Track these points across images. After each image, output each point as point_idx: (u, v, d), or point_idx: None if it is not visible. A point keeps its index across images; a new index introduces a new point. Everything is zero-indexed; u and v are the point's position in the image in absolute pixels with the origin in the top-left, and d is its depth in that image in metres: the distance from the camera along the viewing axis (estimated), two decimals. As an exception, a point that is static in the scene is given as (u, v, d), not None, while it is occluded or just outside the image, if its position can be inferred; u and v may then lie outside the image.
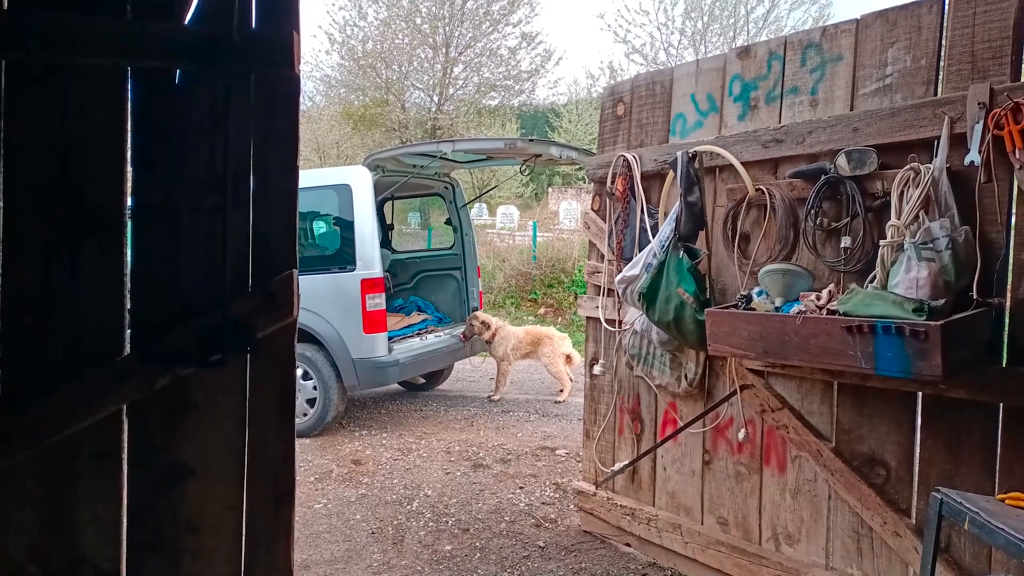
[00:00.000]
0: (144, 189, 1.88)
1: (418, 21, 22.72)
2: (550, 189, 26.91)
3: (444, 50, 23.09)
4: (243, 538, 1.97)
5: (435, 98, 23.65)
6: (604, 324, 3.86)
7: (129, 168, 1.86)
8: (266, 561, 1.98)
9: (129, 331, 1.89)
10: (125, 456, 1.93)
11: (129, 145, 1.86)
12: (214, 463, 1.94)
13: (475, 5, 22.91)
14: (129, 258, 1.88)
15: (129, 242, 1.87)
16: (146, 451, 1.92)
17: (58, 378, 1.83)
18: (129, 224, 1.88)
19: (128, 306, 1.89)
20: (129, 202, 1.88)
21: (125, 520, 1.95)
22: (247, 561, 1.97)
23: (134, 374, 1.86)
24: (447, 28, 22.89)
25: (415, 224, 22.55)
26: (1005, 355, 2.39)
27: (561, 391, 6.97)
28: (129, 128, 1.86)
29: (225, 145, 1.85)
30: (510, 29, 23.41)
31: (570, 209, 20.32)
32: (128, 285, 1.88)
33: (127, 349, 1.88)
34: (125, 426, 1.91)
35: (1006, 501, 2.02)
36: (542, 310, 12.03)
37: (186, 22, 1.85)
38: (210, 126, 1.86)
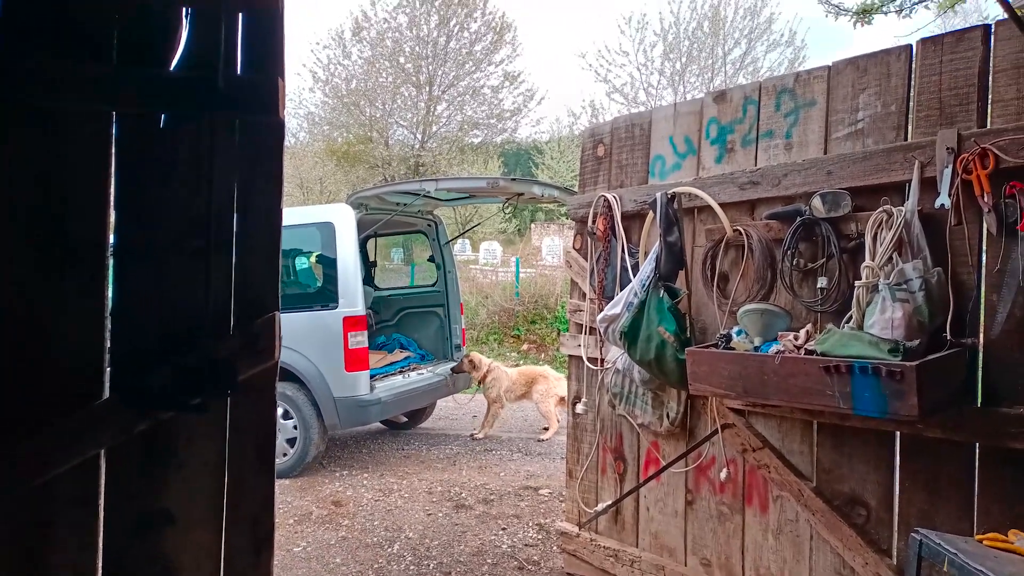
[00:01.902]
0: (126, 229, 1.89)
1: (401, 60, 23.03)
2: (533, 225, 27.09)
3: (427, 88, 23.39)
4: (221, 583, 1.94)
5: (418, 135, 23.86)
6: (586, 362, 3.87)
7: (112, 209, 1.87)
8: (245, 609, 1.94)
9: (109, 371, 1.88)
10: (102, 502, 1.90)
11: (113, 185, 1.87)
12: (193, 509, 1.92)
13: (458, 45, 23.29)
14: (110, 299, 1.88)
15: (111, 283, 1.87)
16: (124, 497, 1.89)
17: (37, 422, 1.81)
18: (111, 264, 1.88)
19: (108, 347, 1.88)
20: (111, 241, 1.88)
21: (100, 567, 1.91)
22: (226, 609, 1.93)
23: (113, 418, 1.85)
24: (430, 67, 23.22)
25: (398, 260, 22.56)
26: (980, 395, 2.43)
27: (546, 429, 6.94)
28: (113, 169, 1.87)
29: (209, 189, 1.87)
30: (492, 68, 23.81)
31: (552, 245, 20.45)
32: (108, 326, 1.87)
33: (107, 392, 1.87)
34: (103, 471, 1.88)
35: (984, 542, 2.03)
36: (525, 346, 12.02)
37: (172, 67, 1.88)
38: (194, 170, 1.88)
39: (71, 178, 1.82)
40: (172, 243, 1.88)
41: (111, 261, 1.88)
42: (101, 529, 1.90)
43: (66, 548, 1.87)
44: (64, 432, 1.83)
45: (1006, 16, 2.44)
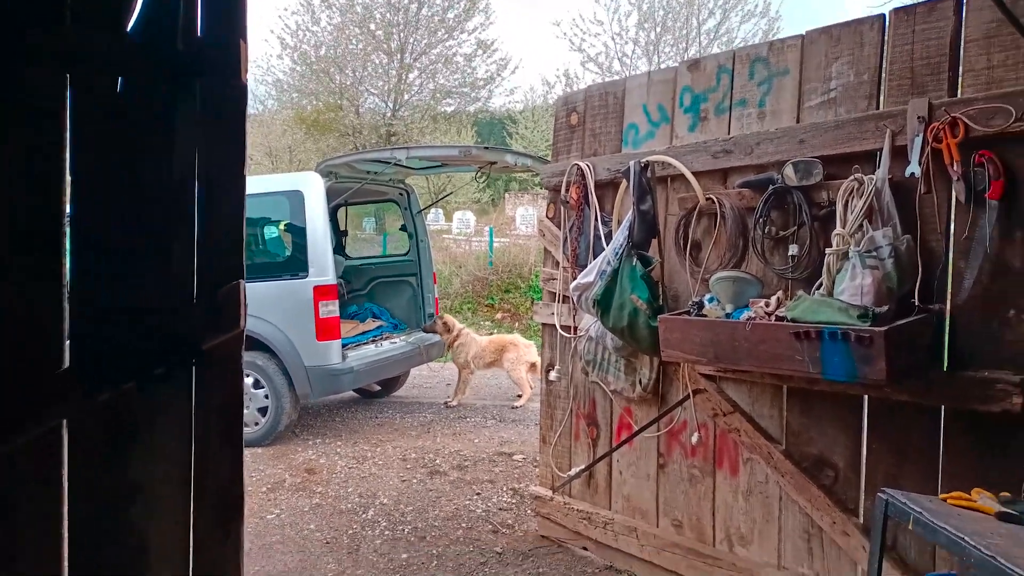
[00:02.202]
0: (84, 200, 1.82)
1: (372, 27, 22.55)
2: (507, 195, 26.99)
3: (399, 56, 22.97)
4: (191, 557, 1.92)
5: (390, 104, 23.50)
6: (560, 330, 3.87)
7: (68, 180, 1.80)
8: (216, 579, 1.93)
9: (68, 343, 1.83)
10: (65, 477, 1.87)
11: (68, 156, 1.80)
12: (159, 481, 1.89)
13: (430, 12, 22.84)
14: (68, 269, 1.82)
15: (68, 255, 1.81)
16: (89, 471, 1.85)
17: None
18: (69, 235, 1.82)
19: (67, 318, 1.82)
20: (68, 213, 1.82)
21: (66, 543, 1.88)
22: (195, 579, 1.92)
23: (73, 389, 1.80)
24: (402, 34, 22.78)
25: (370, 229, 22.35)
26: (946, 360, 2.47)
27: (519, 396, 6.97)
28: (68, 138, 1.79)
29: (170, 156, 1.80)
30: (465, 36, 23.41)
31: (526, 215, 20.39)
32: (67, 296, 1.81)
33: (66, 362, 1.82)
34: (64, 444, 1.84)
35: (948, 501, 2.08)
36: (499, 315, 12.03)
37: (127, 29, 1.80)
38: (154, 137, 1.81)
39: (28, 152, 1.75)
40: (132, 213, 1.82)
41: (68, 232, 1.81)
42: (65, 504, 1.86)
43: (31, 525, 1.83)
44: (22, 404, 1.78)
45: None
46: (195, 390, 1.89)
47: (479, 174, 6.61)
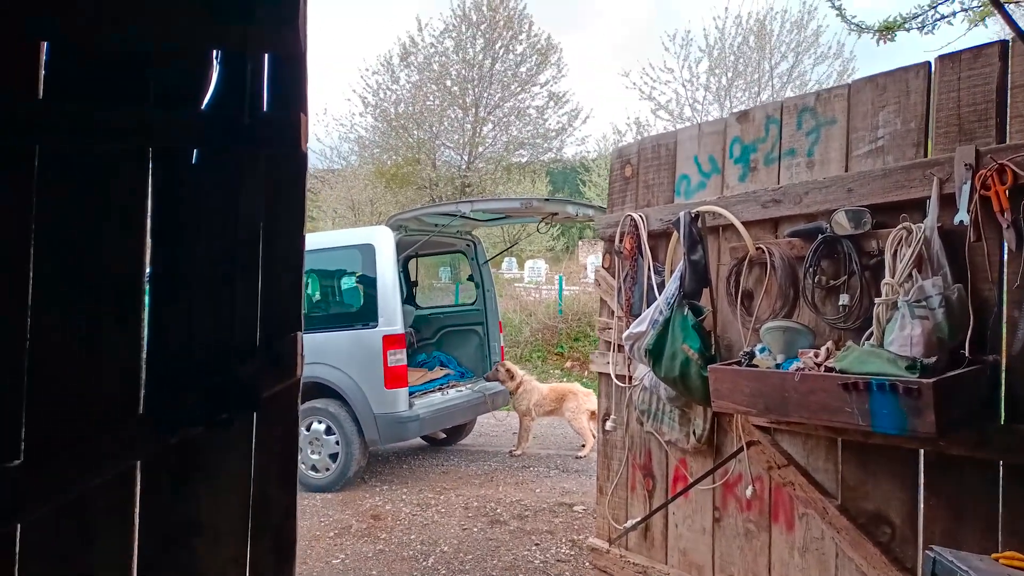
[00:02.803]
0: (161, 259, 2.03)
1: (448, 83, 23.39)
2: (580, 242, 27.10)
3: (474, 110, 23.68)
4: (247, 592, 2.04)
5: (465, 156, 24.16)
6: (615, 380, 3.90)
7: (148, 240, 2.01)
8: (269, 616, 2.04)
9: (144, 391, 2.01)
10: (137, 512, 2.03)
11: (149, 219, 2.02)
12: (220, 519, 2.03)
13: (503, 67, 23.54)
14: (146, 323, 2.01)
15: (146, 309, 2.01)
16: (157, 507, 2.02)
17: (78, 438, 1.95)
18: (147, 292, 2.02)
19: (144, 368, 2.01)
20: (147, 272, 2.02)
21: (136, 574, 2.03)
22: (251, 614, 2.04)
23: (147, 433, 1.98)
24: (476, 89, 23.52)
25: (446, 279, 22.83)
26: (1003, 412, 2.40)
27: (583, 446, 6.95)
28: (149, 203, 2.01)
29: (236, 218, 2.00)
30: (537, 89, 23.94)
31: (597, 263, 20.41)
32: (144, 348, 2.01)
33: (141, 409, 2.00)
34: (138, 483, 2.01)
35: (1000, 560, 2.00)
36: (568, 364, 12.03)
37: (202, 107, 2.02)
38: (223, 201, 2.01)
39: (112, 213, 1.97)
40: (202, 271, 2.01)
41: (147, 289, 2.02)
42: (136, 538, 2.03)
43: (105, 556, 2.00)
44: (102, 446, 1.97)
45: (1024, 31, 2.43)
46: (255, 435, 2.04)
47: (542, 224, 6.76)
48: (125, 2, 1.96)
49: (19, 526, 1.96)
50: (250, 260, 2.04)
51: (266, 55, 2.05)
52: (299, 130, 2.04)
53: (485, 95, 23.85)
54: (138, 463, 2.00)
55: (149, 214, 2.02)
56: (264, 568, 2.02)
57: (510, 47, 23.37)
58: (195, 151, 2.03)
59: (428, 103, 23.62)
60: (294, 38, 2.03)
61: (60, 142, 1.94)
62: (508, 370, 6.89)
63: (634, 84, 32.80)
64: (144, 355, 2.01)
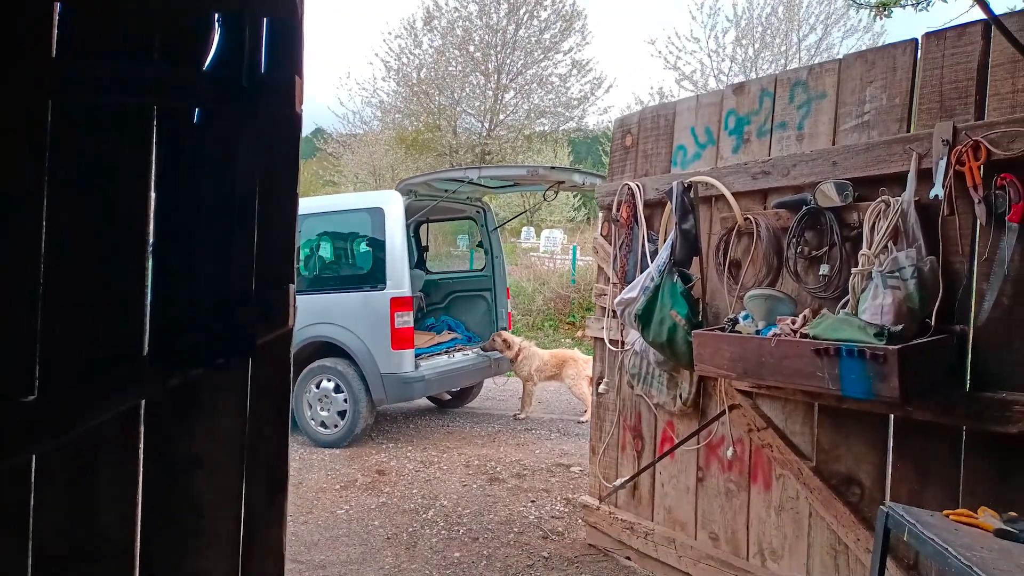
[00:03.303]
0: (165, 211, 2.16)
1: (471, 49, 23.31)
2: (601, 213, 27.03)
3: (496, 77, 23.62)
4: (242, 522, 2.21)
5: (486, 124, 24.15)
6: (608, 344, 4.03)
7: (153, 193, 2.15)
8: (262, 543, 2.21)
9: (148, 334, 2.17)
10: (141, 446, 2.20)
11: (153, 172, 2.15)
12: (218, 455, 2.19)
13: (527, 33, 23.40)
14: (150, 271, 2.16)
15: (151, 257, 2.16)
16: (160, 442, 2.18)
17: (86, 375, 2.11)
18: (151, 242, 2.16)
19: (148, 312, 2.17)
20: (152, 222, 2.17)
21: (140, 503, 2.21)
22: (245, 543, 2.21)
23: (151, 373, 2.14)
24: (499, 56, 23.43)
25: (463, 246, 22.95)
26: (968, 381, 2.49)
27: (585, 412, 7.10)
28: (154, 157, 2.14)
29: (234, 174, 2.13)
30: (561, 57, 23.82)
31: (615, 234, 20.36)
32: (149, 294, 2.16)
33: (146, 351, 2.16)
34: (142, 419, 2.18)
35: (951, 516, 2.12)
36: (579, 333, 12.11)
37: (204, 68, 2.14)
38: (222, 158, 2.14)
39: (119, 166, 2.11)
40: (202, 223, 2.14)
41: (151, 239, 2.16)
42: (141, 470, 2.20)
43: (111, 486, 2.17)
44: (110, 384, 2.13)
45: (1010, 11, 2.47)
46: (250, 378, 2.19)
47: (548, 192, 6.84)
48: (133, -33, 2.07)
49: (33, 457, 2.14)
50: (247, 214, 2.17)
51: (264, 18, 2.16)
52: (294, 92, 2.16)
53: (508, 62, 23.77)
54: (143, 401, 2.16)
55: (153, 168, 2.15)
56: (258, 499, 2.19)
57: (534, 13, 23.22)
58: (196, 110, 2.16)
59: (450, 69, 23.60)
60: (291, 2, 2.13)
61: (70, 97, 2.08)
62: (504, 340, 7.03)
63: (659, 53, 32.37)
64: (148, 300, 2.16)
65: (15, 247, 2.05)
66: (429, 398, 7.44)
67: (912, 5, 4.99)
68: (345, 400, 6.16)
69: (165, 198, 2.16)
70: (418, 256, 7.81)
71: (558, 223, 25.55)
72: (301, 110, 2.20)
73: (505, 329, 7.49)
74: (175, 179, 2.15)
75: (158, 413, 2.17)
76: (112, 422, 2.15)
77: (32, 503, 2.13)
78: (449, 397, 7.71)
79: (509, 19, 23.12)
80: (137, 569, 2.19)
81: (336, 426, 6.22)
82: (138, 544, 2.19)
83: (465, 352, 6.97)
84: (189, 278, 2.16)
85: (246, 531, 2.21)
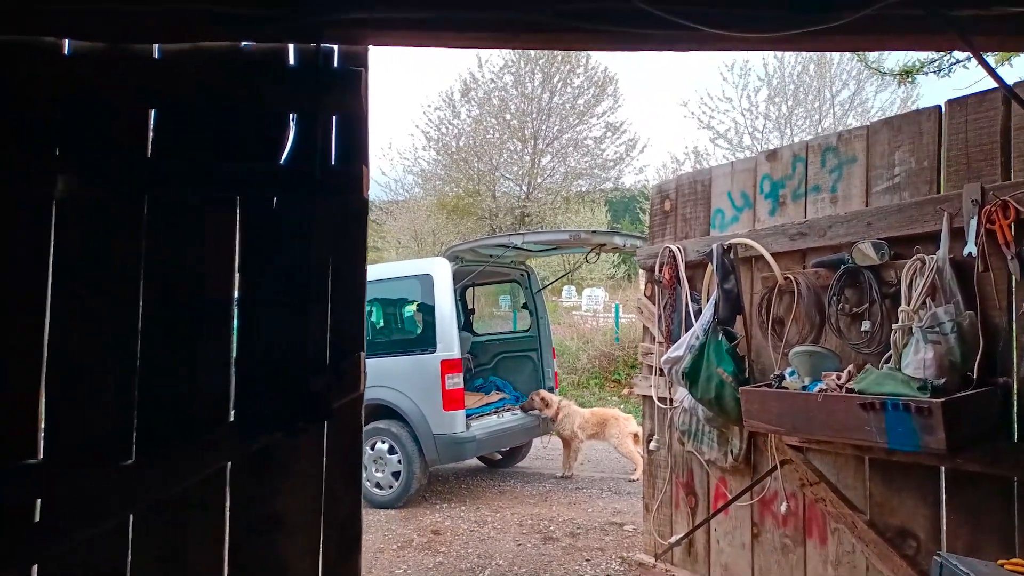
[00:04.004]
0: (246, 289, 2.40)
1: (507, 117, 24.03)
2: (641, 271, 27.08)
3: (532, 142, 24.23)
4: (319, 577, 2.36)
5: (524, 187, 24.66)
6: (657, 402, 4.12)
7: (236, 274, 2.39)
8: (338, 599, 2.35)
9: (233, 403, 2.37)
10: (227, 507, 2.38)
11: (237, 256, 2.39)
12: (297, 514, 2.36)
13: (561, 100, 24.06)
14: (234, 346, 2.38)
15: (235, 331, 2.38)
16: (243, 503, 2.36)
17: (178, 441, 2.31)
18: (235, 317, 2.39)
19: (233, 383, 2.38)
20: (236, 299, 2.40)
21: (226, 560, 2.37)
22: (323, 598, 2.35)
23: (236, 438, 2.33)
24: (535, 122, 24.08)
25: (505, 307, 23.19)
26: (1016, 431, 2.54)
27: (635, 469, 7.10)
28: (238, 242, 2.39)
29: (309, 254, 2.36)
30: (595, 120, 24.37)
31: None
32: (233, 367, 2.37)
33: (231, 418, 2.36)
34: (228, 481, 2.36)
35: (1005, 566, 2.15)
36: (626, 391, 12.13)
37: (281, 161, 2.40)
38: (298, 240, 2.37)
39: (206, 251, 2.36)
40: (281, 298, 2.37)
41: (236, 315, 2.39)
42: (227, 529, 2.37)
43: (199, 544, 2.35)
44: (197, 449, 2.33)
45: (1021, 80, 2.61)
46: (325, 441, 2.37)
47: (590, 255, 7.03)
48: (215, 76, 2.36)
49: (131, 516, 2.34)
50: (320, 289, 2.39)
51: (334, 116, 2.42)
52: (361, 180, 2.40)
53: (543, 127, 24.39)
54: (228, 464, 2.36)
55: (237, 250, 2.40)
56: (335, 557, 2.34)
57: (568, 80, 23.90)
58: (274, 198, 2.40)
59: (488, 136, 24.28)
60: (358, 102, 2.39)
61: (164, 191, 2.35)
62: (543, 398, 7.09)
63: (692, 113, 32.77)
64: (233, 371, 2.37)
65: (114, 320, 2.30)
66: (479, 458, 7.53)
67: (934, 72, 5.15)
68: (399, 461, 6.30)
69: (247, 277, 2.40)
70: (465, 319, 8.02)
71: (599, 281, 25.66)
72: (368, 195, 2.44)
73: (552, 389, 7.59)
74: (256, 261, 2.40)
75: (241, 475, 2.36)
76: (200, 484, 2.35)
77: (129, 560, 2.32)
78: (500, 457, 7.79)
79: (544, 87, 23.84)
80: (223, 624, 2.35)
81: (391, 487, 6.34)
82: (224, 601, 2.35)
83: (514, 412, 7.08)
84: (269, 350, 2.37)
85: (324, 586, 2.35)
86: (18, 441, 2.28)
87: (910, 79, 5.29)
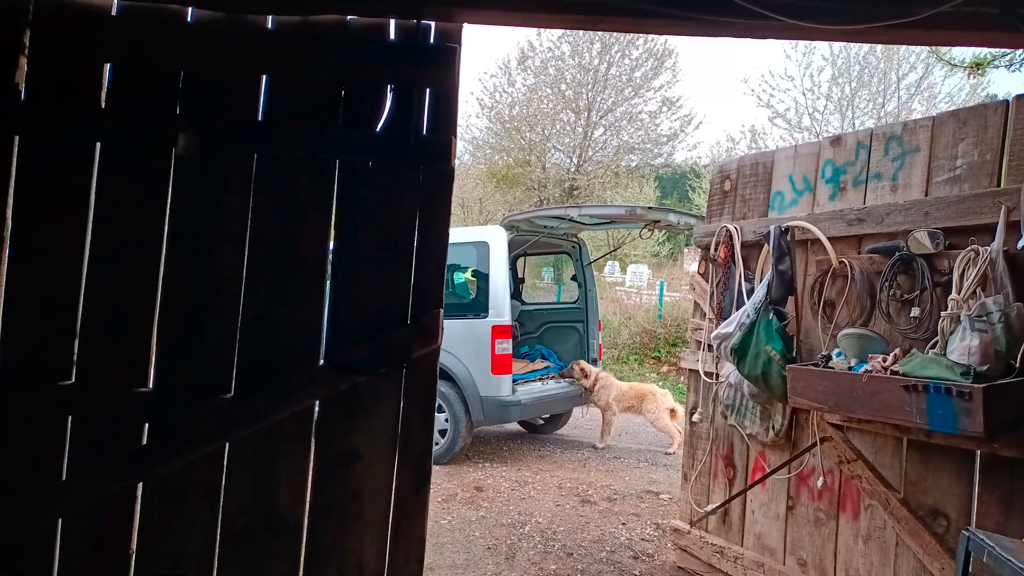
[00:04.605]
0: (340, 245, 2.63)
1: (563, 87, 23.96)
2: (686, 249, 26.98)
3: (586, 114, 24.15)
4: (391, 510, 2.61)
5: (574, 159, 24.66)
6: (703, 376, 4.28)
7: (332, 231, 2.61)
8: (407, 529, 2.60)
9: (324, 346, 2.61)
10: (313, 441, 2.63)
11: (334, 213, 2.62)
12: (375, 450, 2.61)
13: (618, 72, 23.87)
14: (327, 297, 2.61)
15: (328, 283, 2.62)
16: (328, 437, 2.61)
17: (273, 378, 2.57)
18: (329, 271, 2.62)
19: (324, 328, 2.62)
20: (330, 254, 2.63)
21: (309, 488, 2.63)
22: (393, 527, 2.60)
23: (325, 378, 2.58)
24: (590, 94, 23.97)
25: (548, 279, 23.38)
26: (1054, 420, 2.64)
27: (672, 443, 7.29)
28: (335, 201, 2.61)
29: (399, 215, 2.57)
30: (651, 94, 24.15)
31: (702, 270, 20.34)
32: (325, 313, 2.61)
33: (321, 360, 2.60)
34: (315, 417, 2.62)
35: (1030, 543, 2.30)
36: (665, 368, 12.28)
37: (378, 129, 2.60)
38: (389, 203, 2.58)
39: (306, 208, 2.59)
40: (371, 255, 2.59)
41: (329, 269, 2.62)
42: (312, 460, 2.63)
43: (288, 472, 2.61)
44: (290, 387, 2.58)
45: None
46: (404, 386, 2.61)
47: (644, 231, 7.15)
48: (322, 47, 2.56)
49: (227, 444, 2.61)
50: (406, 249, 2.60)
51: (428, 89, 2.61)
52: (450, 150, 2.59)
53: (598, 99, 24.26)
54: (316, 401, 2.61)
55: (334, 209, 2.62)
56: (406, 489, 2.59)
57: (626, 52, 23.67)
58: (369, 163, 2.61)
59: (542, 106, 24.28)
60: (451, 77, 2.58)
61: (271, 152, 2.58)
62: (582, 368, 7.31)
63: (752, 91, 32.19)
64: (326, 318, 2.61)
65: (223, 267, 2.55)
66: (520, 423, 7.79)
67: (1005, 66, 5.11)
68: (446, 420, 6.59)
69: (341, 235, 2.63)
70: (514, 287, 8.24)
71: (643, 258, 25.66)
72: (454, 164, 2.63)
73: (596, 361, 7.79)
74: (350, 220, 2.62)
75: (328, 412, 2.61)
76: (290, 419, 2.60)
77: (224, 482, 2.60)
78: (541, 423, 8.04)
79: (601, 58, 23.67)
80: (304, 544, 2.62)
81: (437, 444, 6.64)
82: (306, 522, 2.62)
83: (558, 380, 7.31)
84: (358, 301, 2.60)
85: (395, 517, 2.60)
86: (132, 371, 2.57)
87: (980, 72, 5.24)
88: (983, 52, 5.19)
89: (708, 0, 2.24)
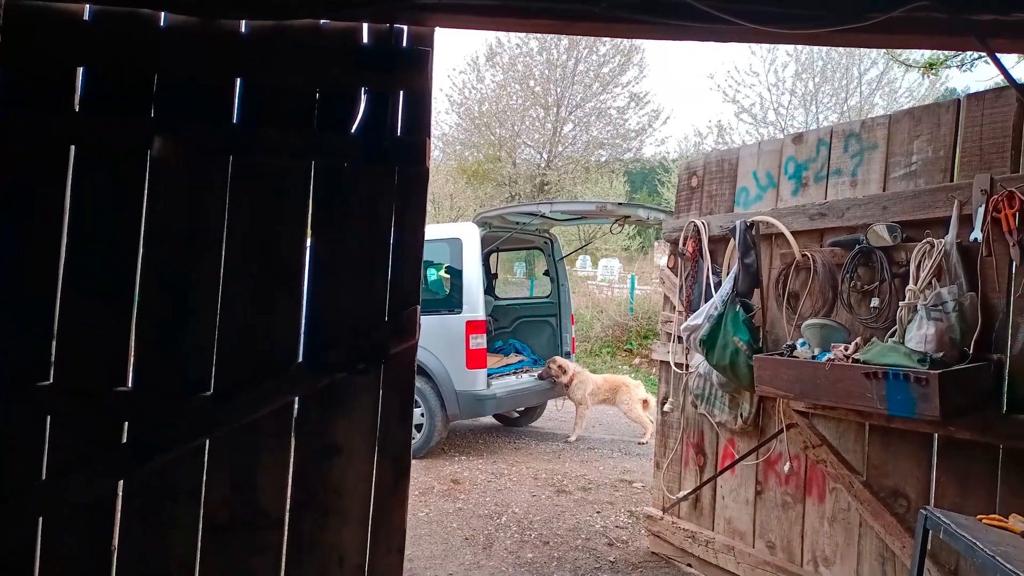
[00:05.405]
0: (318, 248, 2.67)
1: (531, 83, 24.04)
2: (656, 243, 27.25)
3: (555, 110, 24.26)
4: (371, 502, 2.66)
5: (544, 155, 24.77)
6: (673, 367, 4.39)
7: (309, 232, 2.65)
8: (388, 520, 2.66)
9: (303, 346, 2.65)
10: (293, 437, 2.67)
11: (309, 216, 2.66)
12: (354, 445, 2.66)
13: (586, 68, 24.01)
14: (305, 297, 2.65)
15: (305, 286, 2.65)
16: (308, 433, 2.66)
17: (252, 377, 2.61)
18: (306, 273, 2.66)
19: (303, 329, 2.65)
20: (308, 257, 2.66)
21: (290, 483, 2.68)
22: (374, 520, 2.66)
23: (304, 376, 2.62)
24: (558, 89, 24.08)
25: (520, 274, 23.47)
26: (1005, 404, 2.79)
27: (644, 433, 7.42)
28: (311, 204, 2.65)
29: (375, 216, 2.62)
30: (619, 90, 24.33)
31: (672, 264, 20.59)
32: (304, 314, 2.65)
33: (300, 358, 2.64)
34: (294, 413, 2.66)
35: (983, 520, 2.43)
36: (637, 360, 12.45)
37: (352, 131, 2.64)
38: (365, 202, 2.63)
39: (283, 213, 2.62)
40: (348, 255, 2.64)
41: (307, 272, 2.66)
42: (292, 456, 2.67)
43: (268, 468, 2.65)
44: (270, 386, 2.62)
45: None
46: (383, 382, 2.66)
47: (615, 226, 7.26)
48: (295, 52, 2.60)
49: (208, 441, 2.64)
50: (383, 249, 2.65)
51: (401, 92, 2.66)
52: (424, 151, 2.64)
53: (567, 95, 24.38)
54: (296, 399, 2.65)
55: (310, 211, 2.66)
56: (385, 483, 2.64)
57: (594, 48, 23.81)
58: (345, 165, 2.66)
59: (511, 102, 24.33)
60: (424, 80, 2.63)
61: (246, 155, 2.61)
62: (560, 366, 7.40)
63: (718, 86, 32.56)
64: (304, 319, 2.65)
65: (208, 269, 2.58)
66: (496, 416, 7.87)
67: (956, 66, 5.30)
68: (422, 414, 6.63)
69: (318, 235, 2.67)
70: (487, 283, 8.30)
71: (613, 252, 25.86)
72: (428, 165, 2.68)
73: (569, 354, 7.89)
74: (327, 221, 2.66)
75: (307, 409, 2.65)
76: (271, 415, 2.64)
77: (205, 479, 2.63)
78: (516, 416, 8.13)
79: (569, 54, 23.78)
80: (286, 539, 2.66)
81: (413, 438, 6.67)
82: (287, 518, 2.66)
83: (532, 374, 7.40)
84: (336, 301, 2.65)
85: (375, 509, 2.66)
86: (110, 370, 2.59)
87: (934, 71, 5.43)
88: (938, 53, 5.38)
89: (673, 6, 2.32)
